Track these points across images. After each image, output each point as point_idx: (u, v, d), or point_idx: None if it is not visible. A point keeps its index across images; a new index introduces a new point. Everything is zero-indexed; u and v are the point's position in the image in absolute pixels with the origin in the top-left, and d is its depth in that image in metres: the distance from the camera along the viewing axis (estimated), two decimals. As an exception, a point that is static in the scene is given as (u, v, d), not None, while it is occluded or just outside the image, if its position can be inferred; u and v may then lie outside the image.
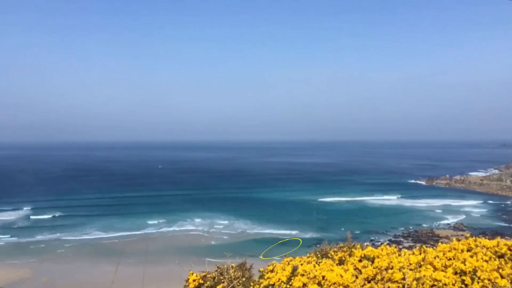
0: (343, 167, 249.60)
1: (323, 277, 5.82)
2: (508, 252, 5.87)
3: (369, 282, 5.73)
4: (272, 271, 6.50)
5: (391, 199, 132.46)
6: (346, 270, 5.97)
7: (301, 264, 6.42)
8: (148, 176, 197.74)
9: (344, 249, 6.93)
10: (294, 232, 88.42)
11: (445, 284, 5.23)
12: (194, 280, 6.56)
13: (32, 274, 60.41)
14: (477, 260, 5.67)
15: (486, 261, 5.69)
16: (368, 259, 6.22)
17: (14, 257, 69.18)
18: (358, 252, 6.52)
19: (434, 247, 6.74)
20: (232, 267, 6.81)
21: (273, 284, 6.06)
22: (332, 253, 6.88)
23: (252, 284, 6.29)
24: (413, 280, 5.29)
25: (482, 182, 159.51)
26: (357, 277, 5.86)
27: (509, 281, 5.16)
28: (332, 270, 5.96)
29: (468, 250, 6.22)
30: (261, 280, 6.33)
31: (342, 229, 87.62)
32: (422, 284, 5.22)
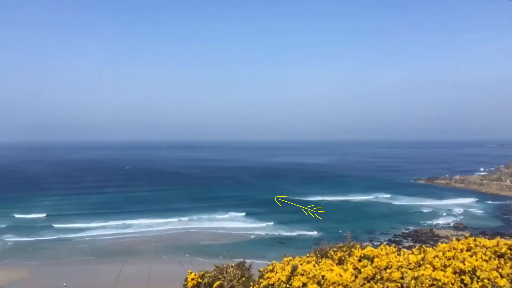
0: (343, 167, 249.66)
1: (323, 276, 5.82)
2: (508, 251, 5.87)
3: (368, 281, 5.73)
4: (271, 270, 6.50)
5: (390, 199, 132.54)
6: (345, 270, 5.96)
7: (301, 264, 6.42)
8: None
9: (344, 248, 6.92)
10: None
11: (444, 284, 5.22)
12: (192, 279, 6.57)
13: (31, 274, 60.27)
14: (477, 260, 5.67)
15: (486, 260, 5.69)
16: (367, 259, 6.21)
17: (13, 257, 69.17)
18: (357, 252, 6.51)
19: (434, 247, 6.73)
20: (231, 266, 6.81)
21: (273, 284, 6.06)
22: (332, 253, 6.88)
23: (251, 283, 6.28)
24: (411, 279, 5.29)
25: (482, 182, 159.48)
26: (356, 277, 5.86)
27: (509, 280, 5.16)
28: (331, 270, 5.96)
29: (467, 250, 6.22)
30: (260, 280, 6.33)
31: (341, 229, 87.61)
32: (421, 284, 5.22)
